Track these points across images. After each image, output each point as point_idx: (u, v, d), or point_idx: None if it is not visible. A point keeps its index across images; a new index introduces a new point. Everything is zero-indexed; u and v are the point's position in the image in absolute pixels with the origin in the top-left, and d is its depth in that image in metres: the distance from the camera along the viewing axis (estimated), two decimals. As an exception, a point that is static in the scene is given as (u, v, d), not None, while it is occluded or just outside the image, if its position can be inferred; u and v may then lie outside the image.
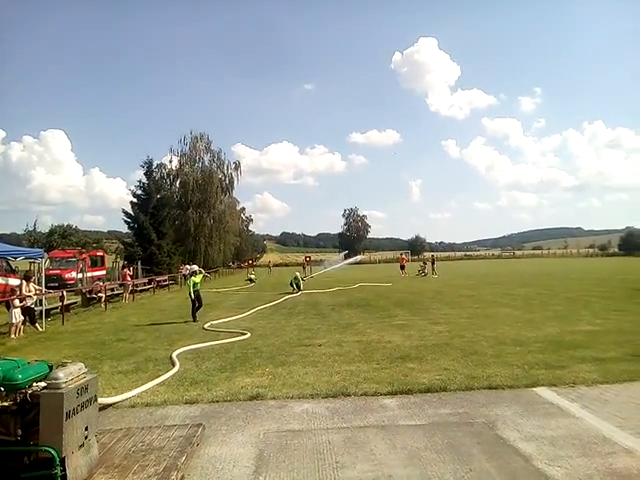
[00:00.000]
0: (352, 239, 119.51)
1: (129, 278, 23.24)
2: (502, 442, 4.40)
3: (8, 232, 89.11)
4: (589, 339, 9.02)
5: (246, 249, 53.68)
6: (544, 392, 5.86)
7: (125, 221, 36.21)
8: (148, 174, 37.29)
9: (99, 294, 19.65)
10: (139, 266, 30.69)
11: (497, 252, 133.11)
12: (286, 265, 71.11)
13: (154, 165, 40.63)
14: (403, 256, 43.47)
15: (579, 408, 5.23)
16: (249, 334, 10.47)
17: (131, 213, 35.81)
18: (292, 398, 5.97)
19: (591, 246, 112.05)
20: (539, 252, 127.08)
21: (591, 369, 6.81)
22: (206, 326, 12.38)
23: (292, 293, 21.85)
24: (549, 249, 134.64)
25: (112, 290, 22.04)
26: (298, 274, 25.81)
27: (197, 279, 14.14)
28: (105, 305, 18.71)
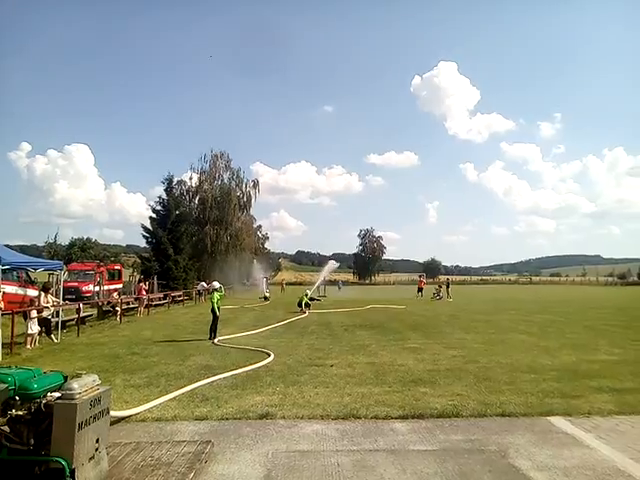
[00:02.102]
0: (367, 260, 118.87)
1: (144, 292, 23.46)
2: (514, 471, 4.33)
3: (29, 243, 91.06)
4: (606, 369, 8.84)
5: (261, 267, 54.00)
6: (558, 421, 5.76)
7: (144, 236, 36.68)
8: (168, 190, 37.84)
9: (116, 307, 19.86)
10: (155, 281, 30.95)
11: (514, 277, 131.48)
12: (300, 284, 71.02)
13: (174, 182, 41.35)
14: (421, 279, 43.12)
15: (594, 439, 5.13)
16: (272, 355, 10.24)
17: (150, 228, 36.23)
18: (302, 418, 5.95)
19: (610, 274, 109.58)
20: (557, 279, 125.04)
21: (607, 399, 6.68)
22: (216, 341, 12.62)
23: (303, 313, 21.72)
24: (567, 276, 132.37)
25: (127, 304, 22.24)
26: (309, 292, 25.82)
27: (219, 296, 14.21)
28: (120, 318, 18.86)
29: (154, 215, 36.84)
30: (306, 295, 24.14)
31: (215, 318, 13.55)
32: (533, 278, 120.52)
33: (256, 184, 58.04)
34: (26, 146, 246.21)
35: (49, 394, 3.65)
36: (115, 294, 23.19)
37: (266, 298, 32.97)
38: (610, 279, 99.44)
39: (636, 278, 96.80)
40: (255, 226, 63.73)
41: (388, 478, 4.18)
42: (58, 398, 3.58)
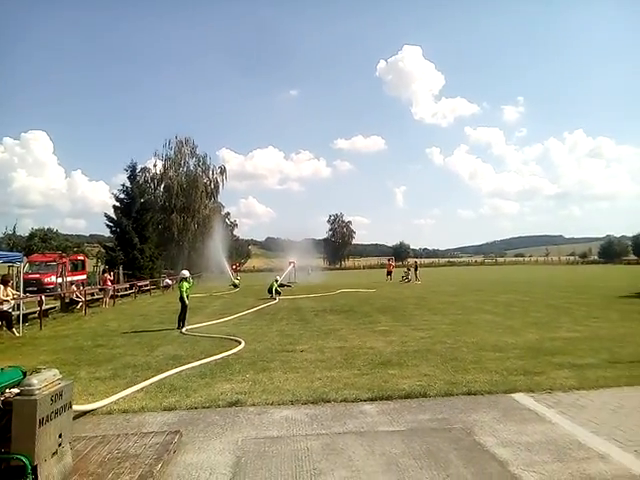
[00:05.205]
0: (337, 245, 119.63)
1: (109, 283, 22.95)
2: (479, 448, 4.43)
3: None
4: (568, 345, 9.15)
5: (230, 254, 53.42)
6: (522, 398, 5.93)
7: (107, 225, 35.71)
8: (132, 178, 36.86)
9: (78, 298, 19.37)
10: (120, 271, 30.29)
11: (480, 259, 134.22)
12: (270, 270, 70.71)
13: (138, 169, 40.31)
14: (390, 262, 43.79)
15: (555, 414, 5.30)
16: (243, 342, 10.16)
17: (113, 217, 35.32)
18: (272, 404, 5.94)
19: (572, 254, 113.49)
20: (521, 259, 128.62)
21: (568, 375, 6.91)
22: (184, 330, 12.50)
23: (273, 299, 21.66)
24: (531, 256, 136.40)
25: (92, 295, 21.73)
26: (279, 278, 25.84)
27: (188, 284, 13.89)
28: (85, 310, 18.43)
29: (118, 204, 35.84)
30: (276, 281, 24.11)
31: (184, 307, 13.33)
32: (498, 259, 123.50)
33: (223, 170, 57.31)
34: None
35: (7, 390, 3.53)
36: (74, 286, 22.55)
37: (236, 285, 32.74)
38: (572, 258, 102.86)
39: (596, 257, 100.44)
40: (223, 213, 63.11)
41: (357, 460, 4.22)
42: (17, 394, 3.46)
